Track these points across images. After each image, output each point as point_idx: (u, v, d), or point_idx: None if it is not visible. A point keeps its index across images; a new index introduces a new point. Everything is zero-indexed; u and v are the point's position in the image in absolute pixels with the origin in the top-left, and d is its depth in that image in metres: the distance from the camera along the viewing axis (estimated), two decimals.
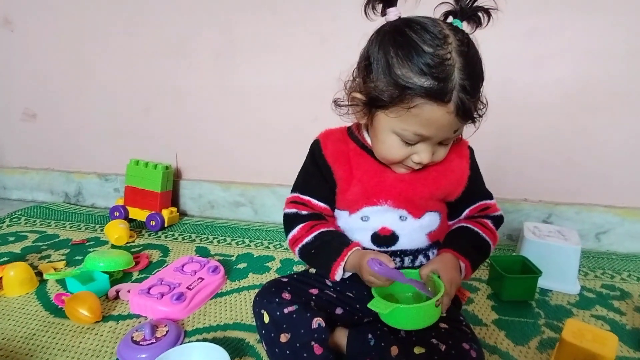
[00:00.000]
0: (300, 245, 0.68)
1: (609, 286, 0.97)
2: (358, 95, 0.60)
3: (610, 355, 0.62)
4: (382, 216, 0.67)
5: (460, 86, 0.52)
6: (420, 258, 0.69)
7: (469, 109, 0.54)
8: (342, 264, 0.64)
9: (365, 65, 0.59)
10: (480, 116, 0.58)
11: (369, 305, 0.58)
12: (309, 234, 0.67)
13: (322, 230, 0.68)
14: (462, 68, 0.53)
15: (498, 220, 0.71)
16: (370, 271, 0.59)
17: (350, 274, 0.66)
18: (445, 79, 0.52)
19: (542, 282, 0.92)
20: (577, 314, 0.86)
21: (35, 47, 1.50)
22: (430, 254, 0.69)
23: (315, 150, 0.70)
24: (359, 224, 0.68)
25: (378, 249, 0.68)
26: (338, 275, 0.65)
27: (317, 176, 0.69)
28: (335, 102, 0.66)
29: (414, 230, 0.67)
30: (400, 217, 0.67)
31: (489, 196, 0.72)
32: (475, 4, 0.58)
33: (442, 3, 0.58)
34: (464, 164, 0.68)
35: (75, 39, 1.45)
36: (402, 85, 0.53)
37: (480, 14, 0.58)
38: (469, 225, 0.69)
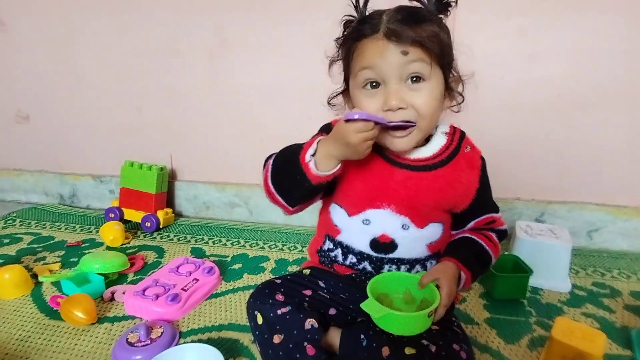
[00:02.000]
0: (272, 158, 0.65)
1: (600, 284, 0.99)
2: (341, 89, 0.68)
3: (598, 353, 0.64)
4: (384, 222, 0.66)
5: (389, 17, 0.57)
6: (417, 267, 0.69)
7: (400, 32, 0.56)
8: (313, 146, 0.59)
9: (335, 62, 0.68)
10: (428, 38, 0.56)
11: (361, 306, 0.58)
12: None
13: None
14: (392, 10, 0.58)
15: (502, 234, 0.71)
16: (353, 127, 0.54)
17: (335, 167, 0.59)
18: (373, 18, 0.59)
19: (533, 281, 0.93)
20: (568, 312, 0.87)
21: (27, 48, 1.50)
22: (428, 264, 0.69)
23: (327, 129, 0.68)
24: (359, 227, 0.68)
25: (376, 254, 0.68)
26: (308, 155, 0.58)
27: None
28: (329, 102, 0.70)
29: (415, 240, 0.67)
30: (403, 225, 0.66)
31: (496, 209, 0.72)
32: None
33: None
34: (474, 176, 0.68)
35: (68, 40, 1.45)
36: (346, 41, 0.63)
37: (445, 2, 0.61)
38: (473, 237, 0.69)
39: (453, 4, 0.62)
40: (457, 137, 0.69)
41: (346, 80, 0.67)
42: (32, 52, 1.50)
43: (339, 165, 0.60)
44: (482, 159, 0.69)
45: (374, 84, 0.60)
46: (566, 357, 0.66)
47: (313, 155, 0.59)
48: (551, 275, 0.95)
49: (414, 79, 0.59)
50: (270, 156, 0.68)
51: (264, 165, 0.67)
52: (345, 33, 0.64)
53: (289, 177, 0.62)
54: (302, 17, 1.23)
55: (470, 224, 0.71)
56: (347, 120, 0.55)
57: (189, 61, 1.36)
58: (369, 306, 0.58)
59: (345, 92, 0.69)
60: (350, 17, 0.65)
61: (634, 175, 1.15)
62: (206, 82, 1.37)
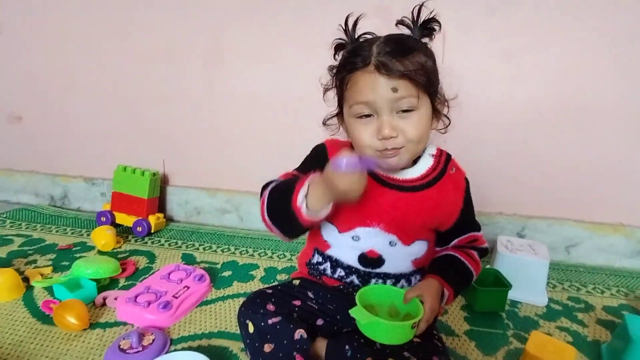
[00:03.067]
0: (270, 187, 0.67)
1: (575, 299, 1.03)
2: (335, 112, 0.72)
3: None
4: (373, 239, 0.70)
5: (379, 49, 0.61)
6: (402, 282, 0.73)
7: (390, 66, 0.59)
8: (307, 182, 0.61)
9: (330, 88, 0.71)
10: (416, 71, 0.60)
11: (350, 312, 0.61)
12: (280, 180, 0.69)
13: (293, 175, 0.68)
14: (382, 41, 0.62)
15: (483, 252, 0.76)
16: (342, 174, 0.56)
17: (326, 209, 0.62)
18: (364, 50, 0.62)
19: (512, 294, 0.98)
20: (543, 326, 0.91)
21: (22, 49, 1.51)
22: (412, 279, 0.73)
23: (320, 151, 0.73)
24: (349, 242, 0.71)
25: (364, 269, 0.72)
26: (301, 195, 0.60)
27: (314, 169, 0.66)
28: (324, 123, 0.74)
29: (401, 256, 0.71)
30: (390, 242, 0.70)
31: (478, 228, 0.76)
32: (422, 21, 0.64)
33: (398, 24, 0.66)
34: (459, 197, 0.72)
35: (63, 42, 1.46)
36: (340, 70, 0.66)
37: (429, 27, 0.65)
38: (456, 255, 0.72)
39: (437, 29, 0.65)
40: (444, 159, 0.73)
41: (339, 105, 0.71)
42: (27, 53, 1.50)
43: (330, 207, 0.62)
44: (467, 180, 0.74)
45: (367, 115, 0.64)
46: None
47: (306, 195, 0.61)
48: (529, 289, 0.99)
49: (404, 110, 0.62)
50: (267, 185, 0.70)
51: (261, 194, 0.70)
52: (338, 64, 0.68)
53: (282, 215, 0.63)
54: (297, 28, 1.26)
55: (454, 242, 0.75)
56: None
57: (184, 68, 1.38)
58: (357, 313, 0.61)
59: (340, 114, 0.72)
60: (341, 41, 0.68)
61: (611, 193, 1.20)
62: (201, 89, 1.39)
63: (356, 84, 0.63)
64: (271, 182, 0.70)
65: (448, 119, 0.72)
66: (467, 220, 0.74)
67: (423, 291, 0.65)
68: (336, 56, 0.69)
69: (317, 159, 0.72)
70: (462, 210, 0.72)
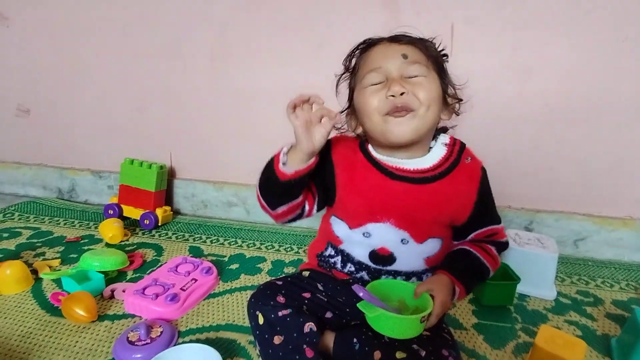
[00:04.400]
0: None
1: (584, 292, 1.03)
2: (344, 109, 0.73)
3: None
4: (384, 235, 0.68)
5: (393, 33, 0.67)
6: (414, 279, 0.71)
7: (401, 38, 0.66)
8: (284, 148, 0.64)
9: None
10: (425, 41, 0.67)
11: (358, 305, 0.61)
12: None
13: None
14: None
15: (502, 247, 0.73)
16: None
17: (307, 161, 0.63)
18: (378, 37, 0.68)
19: (521, 288, 0.97)
20: (552, 319, 0.91)
21: (30, 43, 1.50)
22: (424, 277, 0.72)
23: (324, 148, 0.70)
24: (360, 238, 0.70)
25: (375, 266, 0.71)
26: (282, 155, 0.63)
27: (317, 165, 0.67)
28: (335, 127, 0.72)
29: (413, 254, 0.69)
30: (402, 240, 0.68)
31: (497, 221, 0.72)
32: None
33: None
34: (473, 188, 0.68)
35: (71, 36, 1.46)
36: (353, 54, 0.70)
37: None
38: (470, 250, 0.70)
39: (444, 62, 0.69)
40: (457, 149, 0.69)
41: (350, 98, 0.71)
42: (34, 47, 1.50)
43: (307, 162, 0.63)
44: (483, 170, 0.70)
45: (378, 84, 0.64)
46: None
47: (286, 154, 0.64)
48: (538, 283, 0.99)
49: (413, 76, 0.63)
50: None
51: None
52: (351, 54, 0.72)
53: (267, 179, 0.65)
54: (303, 23, 1.25)
55: (471, 236, 0.72)
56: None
57: (191, 63, 1.37)
58: (365, 306, 0.61)
59: (348, 110, 0.72)
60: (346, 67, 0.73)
61: (619, 188, 1.19)
62: (207, 84, 1.38)
63: (369, 57, 0.67)
64: None
65: (457, 113, 0.71)
66: (483, 213, 0.70)
67: (433, 285, 0.64)
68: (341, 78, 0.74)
69: (321, 158, 0.68)
70: (476, 202, 0.68)
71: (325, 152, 0.70)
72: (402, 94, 0.61)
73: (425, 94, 0.62)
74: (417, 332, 0.60)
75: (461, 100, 0.70)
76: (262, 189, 0.68)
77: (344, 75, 0.73)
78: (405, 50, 0.63)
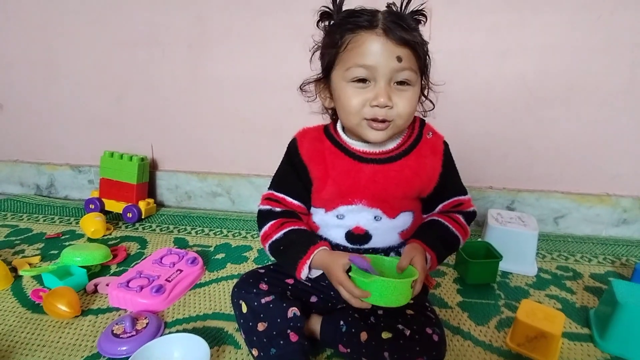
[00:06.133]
0: (270, 242, 0.70)
1: (563, 267, 1.05)
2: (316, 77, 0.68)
3: (557, 332, 0.69)
4: (357, 215, 0.69)
5: (387, 13, 0.61)
6: (392, 254, 0.72)
7: (399, 33, 0.59)
8: (308, 262, 0.65)
9: (319, 50, 0.68)
10: (419, 44, 0.61)
11: (350, 274, 0.60)
12: (279, 231, 0.70)
13: (291, 228, 0.70)
14: (385, 11, 0.61)
15: (470, 216, 0.73)
16: (341, 277, 0.61)
17: (318, 274, 0.68)
18: (370, 14, 0.61)
19: (503, 265, 0.99)
20: (534, 294, 0.93)
21: (1, 37, 1.45)
22: (401, 250, 0.72)
23: (292, 149, 0.72)
24: (334, 221, 0.71)
25: (351, 246, 0.71)
26: (303, 273, 0.66)
27: (292, 175, 0.72)
28: (301, 87, 0.71)
29: (387, 230, 0.70)
30: (375, 217, 0.69)
31: (463, 192, 0.74)
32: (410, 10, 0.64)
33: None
34: (437, 161, 0.69)
35: (43, 29, 1.41)
36: (337, 30, 0.62)
37: (415, 19, 0.65)
38: (440, 219, 0.71)
39: (423, 21, 0.65)
40: (418, 125, 0.71)
41: (327, 69, 0.66)
42: (5, 40, 1.45)
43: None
44: (445, 143, 0.71)
45: (363, 80, 0.62)
46: (529, 336, 0.72)
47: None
48: (519, 260, 1.01)
49: (401, 83, 0.62)
50: (262, 215, 0.74)
51: (259, 224, 0.74)
52: (336, 22, 0.64)
53: (283, 263, 0.72)
54: (282, 8, 1.23)
55: (438, 207, 0.73)
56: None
57: (169, 52, 1.34)
58: (358, 274, 0.59)
59: (321, 80, 0.69)
60: (327, 9, 0.65)
61: (596, 165, 1.21)
62: (186, 73, 1.36)
63: (359, 46, 0.60)
64: (265, 212, 0.73)
65: (432, 103, 0.71)
66: (448, 184, 0.71)
67: (412, 254, 0.64)
68: (319, 24, 0.67)
69: (291, 160, 0.72)
70: (441, 174, 0.69)
71: (294, 156, 0.71)
72: (386, 106, 0.61)
73: (408, 108, 0.63)
74: (407, 299, 0.60)
75: (434, 107, 0.71)
76: (273, 256, 0.72)
77: (322, 48, 0.67)
78: (401, 53, 0.59)
